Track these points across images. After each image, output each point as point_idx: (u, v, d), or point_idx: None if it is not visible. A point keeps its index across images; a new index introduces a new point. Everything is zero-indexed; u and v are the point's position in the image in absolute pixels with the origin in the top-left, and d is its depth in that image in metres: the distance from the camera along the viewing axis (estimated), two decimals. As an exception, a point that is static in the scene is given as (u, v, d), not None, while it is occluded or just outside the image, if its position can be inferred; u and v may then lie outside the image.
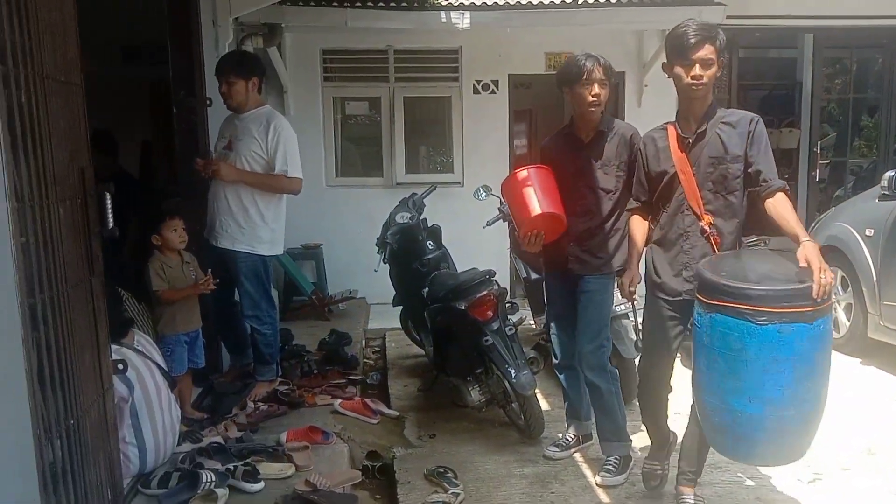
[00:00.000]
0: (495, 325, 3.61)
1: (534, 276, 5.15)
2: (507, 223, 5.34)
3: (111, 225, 2.72)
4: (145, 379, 3.13)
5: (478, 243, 6.09)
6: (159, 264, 3.58)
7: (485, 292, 3.61)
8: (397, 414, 4.13)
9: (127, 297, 3.83)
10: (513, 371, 3.50)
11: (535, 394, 3.69)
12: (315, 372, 4.48)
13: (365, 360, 5.55)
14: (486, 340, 3.56)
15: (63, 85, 2.48)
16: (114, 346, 3.07)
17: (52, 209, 2.36)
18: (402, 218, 4.50)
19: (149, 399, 3.13)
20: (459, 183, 7.15)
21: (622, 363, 4.02)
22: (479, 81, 7.13)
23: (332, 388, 4.21)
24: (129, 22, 5.58)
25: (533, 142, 8.50)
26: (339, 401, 3.98)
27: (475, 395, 3.74)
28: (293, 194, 4.09)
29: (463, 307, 3.64)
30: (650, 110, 7.15)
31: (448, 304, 3.75)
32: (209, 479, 2.90)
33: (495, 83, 7.13)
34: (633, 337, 4.09)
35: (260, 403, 3.95)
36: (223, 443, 3.42)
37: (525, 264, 5.23)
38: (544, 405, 4.16)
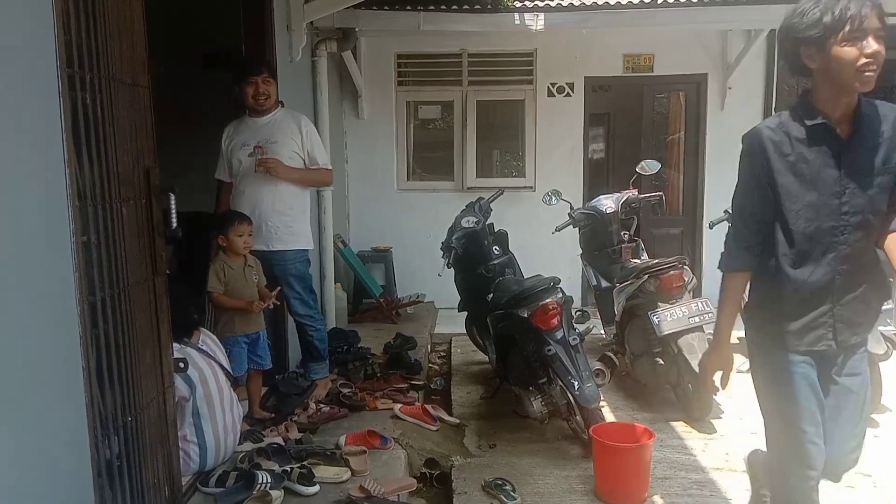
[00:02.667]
0: (559, 335, 3.49)
1: (604, 284, 5.01)
2: (577, 228, 5.22)
3: (174, 225, 2.76)
4: (207, 378, 3.17)
5: (548, 249, 6.01)
6: (221, 265, 3.63)
7: (548, 300, 3.50)
8: (458, 421, 4.06)
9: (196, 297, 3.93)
10: (576, 383, 3.37)
11: (600, 407, 3.54)
12: (378, 375, 4.47)
13: (430, 365, 5.51)
14: (549, 350, 3.45)
15: (130, 87, 2.53)
16: (177, 345, 3.13)
17: (116, 208, 2.40)
18: (468, 222, 4.43)
19: (210, 398, 3.16)
20: (531, 187, 7.03)
21: (696, 380, 3.83)
22: (553, 84, 7.00)
23: (394, 392, 4.18)
24: (209, 28, 5.74)
25: (610, 146, 8.29)
26: (400, 405, 3.94)
27: (537, 405, 3.63)
28: (328, 186, 4.28)
29: (525, 315, 3.54)
30: (734, 113, 6.86)
31: (510, 310, 3.66)
32: (265, 480, 2.91)
33: (570, 86, 6.98)
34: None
35: (322, 405, 3.96)
36: (283, 444, 3.44)
37: (595, 272, 5.08)
38: (610, 418, 4.01)
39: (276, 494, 2.88)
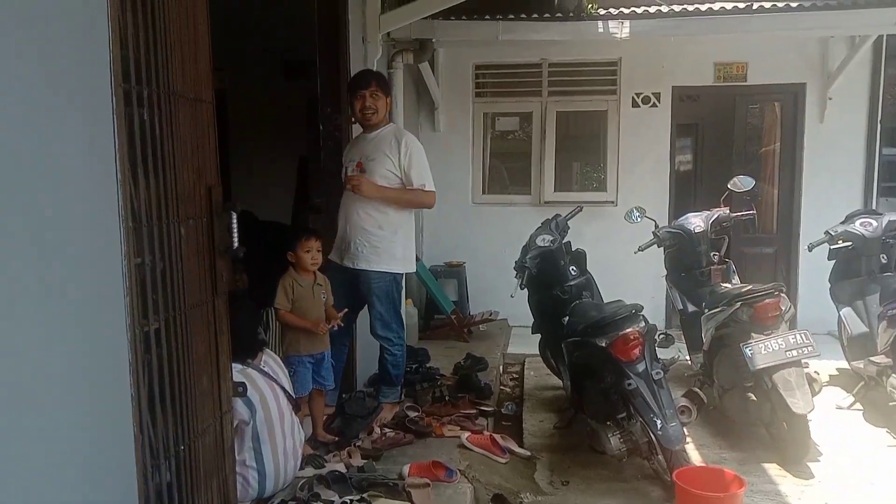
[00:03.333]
0: (640, 368, 3.22)
1: (691, 308, 4.69)
2: (661, 248, 4.92)
3: (236, 244, 2.66)
4: (268, 402, 3.07)
5: (630, 268, 5.70)
6: (290, 281, 3.53)
7: (630, 329, 3.24)
8: (528, 454, 3.83)
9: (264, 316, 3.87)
10: (658, 422, 3.10)
11: (684, 449, 3.25)
12: (447, 398, 4.28)
13: (501, 388, 5.30)
14: (629, 384, 3.19)
15: (192, 102, 2.45)
16: (239, 367, 3.05)
17: (174, 228, 2.31)
18: (543, 241, 4.21)
19: (271, 422, 3.06)
20: (613, 202, 6.73)
21: (791, 419, 3.49)
22: (638, 94, 6.68)
23: (462, 418, 3.99)
24: (289, 38, 5.73)
25: (698, 158, 7.88)
26: (468, 434, 3.75)
27: (615, 442, 3.37)
28: (428, 208, 3.95)
29: (604, 344, 3.29)
30: (834, 126, 6.38)
31: (588, 339, 3.41)
32: (321, 514, 2.77)
33: (657, 96, 6.64)
34: (807, 388, 3.55)
35: (387, 430, 3.81)
36: (345, 471, 3.30)
37: (681, 295, 4.77)
38: (695, 456, 3.71)
39: (332, 530, 2.73)
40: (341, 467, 3.35)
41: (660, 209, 6.29)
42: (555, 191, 6.87)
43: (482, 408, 4.19)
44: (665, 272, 4.98)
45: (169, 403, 2.29)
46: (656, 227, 4.80)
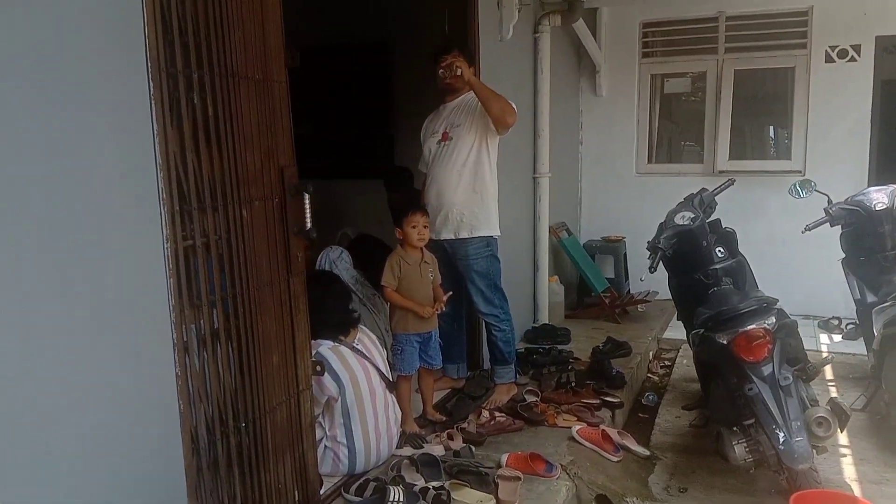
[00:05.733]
0: (766, 371, 2.78)
1: (870, 298, 3.99)
2: (840, 226, 4.22)
3: (309, 225, 2.65)
4: (359, 379, 3.07)
5: (816, 247, 4.87)
6: (397, 259, 3.49)
7: (753, 326, 2.79)
8: (647, 453, 3.49)
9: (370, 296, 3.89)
10: (781, 434, 2.66)
11: (813, 468, 2.76)
12: (572, 385, 4.03)
13: (649, 375, 4.93)
14: (750, 389, 2.76)
15: (259, 83, 2.45)
16: (330, 344, 3.07)
17: (234, 210, 2.34)
18: (683, 219, 3.77)
19: (361, 400, 3.06)
20: (800, 172, 5.90)
21: None
22: (833, 47, 5.75)
23: (581, 408, 3.73)
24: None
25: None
26: (580, 426, 3.49)
27: (740, 451, 2.95)
28: (508, 127, 3.66)
29: (724, 341, 2.87)
30: None
31: (708, 333, 3.00)
32: (396, 499, 2.72)
33: (856, 48, 5.67)
34: None
35: (498, 414, 3.67)
36: (441, 454, 3.22)
37: (859, 282, 4.07)
38: (849, 473, 3.17)
39: (403, 516, 2.67)
40: (440, 450, 3.28)
41: (857, 182, 5.40)
42: (729, 159, 6.18)
43: (607, 398, 3.89)
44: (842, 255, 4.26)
45: (227, 382, 2.35)
46: (829, 202, 4.12)
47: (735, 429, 3.01)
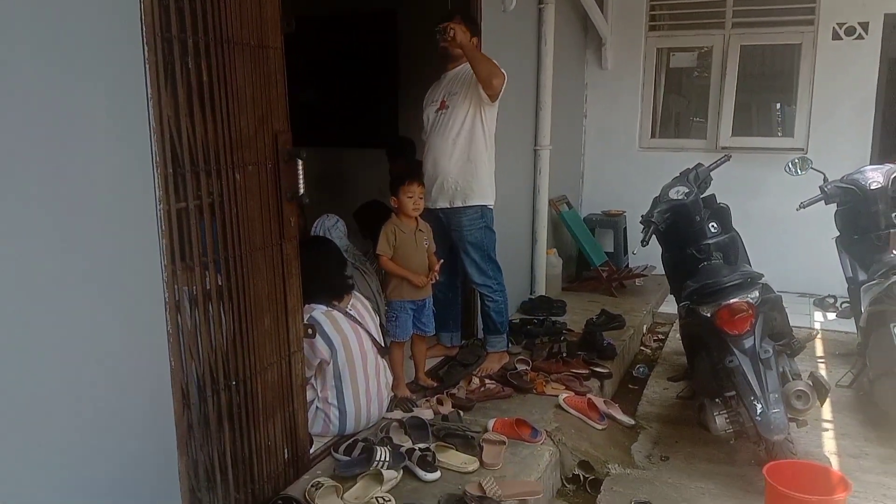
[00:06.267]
0: (747, 344, 2.83)
1: (861, 277, 4.03)
2: (835, 205, 4.24)
3: (302, 191, 2.71)
4: (351, 343, 3.14)
5: (815, 225, 4.86)
6: (392, 227, 3.54)
7: (736, 300, 2.84)
8: (632, 422, 3.57)
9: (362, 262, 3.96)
10: (758, 405, 2.72)
11: (789, 439, 2.83)
12: (563, 355, 4.11)
13: (642, 348, 4.99)
14: (731, 361, 2.82)
15: (254, 49, 2.49)
16: (324, 308, 3.15)
17: (228, 174, 2.40)
18: (677, 193, 3.78)
19: (352, 364, 3.14)
20: (802, 150, 5.90)
21: None
22: (841, 24, 5.71)
23: (570, 377, 3.80)
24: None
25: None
26: (566, 395, 3.57)
27: (720, 422, 3.01)
28: (494, 90, 3.63)
29: (707, 314, 2.93)
30: None
31: (692, 305, 3.06)
32: (382, 458, 2.81)
33: (864, 26, 5.63)
34: None
35: (488, 381, 3.75)
36: (430, 417, 3.31)
37: (851, 260, 4.11)
38: (830, 447, 3.24)
39: (389, 475, 2.76)
40: (429, 414, 3.37)
41: (860, 161, 5.37)
42: (733, 135, 6.18)
43: (597, 369, 3.96)
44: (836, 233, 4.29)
45: (219, 341, 2.42)
46: (825, 180, 4.14)
47: (717, 400, 3.07)
